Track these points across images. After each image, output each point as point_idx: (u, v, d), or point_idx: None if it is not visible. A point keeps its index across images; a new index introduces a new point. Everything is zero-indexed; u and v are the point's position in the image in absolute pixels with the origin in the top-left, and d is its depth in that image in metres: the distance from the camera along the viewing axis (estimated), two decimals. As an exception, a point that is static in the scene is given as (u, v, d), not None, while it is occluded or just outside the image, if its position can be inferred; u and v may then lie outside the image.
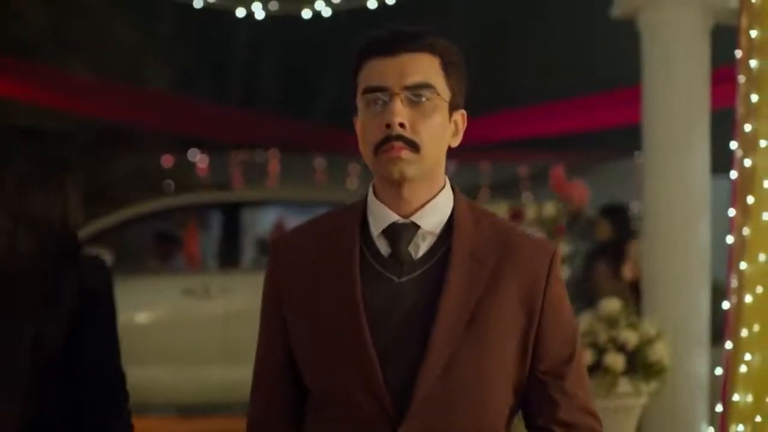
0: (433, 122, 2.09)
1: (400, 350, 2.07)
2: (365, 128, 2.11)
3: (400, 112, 2.06)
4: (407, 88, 2.08)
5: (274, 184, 14.87)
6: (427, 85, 2.09)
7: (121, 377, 2.77)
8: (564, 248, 7.94)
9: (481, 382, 2.08)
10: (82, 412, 2.70)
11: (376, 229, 2.14)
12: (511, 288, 2.11)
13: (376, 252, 2.13)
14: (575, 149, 14.14)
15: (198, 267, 13.11)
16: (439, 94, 2.10)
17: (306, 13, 7.70)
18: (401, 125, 2.06)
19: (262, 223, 15.82)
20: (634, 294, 7.53)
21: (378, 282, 2.11)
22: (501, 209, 8.19)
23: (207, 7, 7.63)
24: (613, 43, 8.23)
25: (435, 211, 2.14)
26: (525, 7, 15.66)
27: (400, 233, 2.12)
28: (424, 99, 2.08)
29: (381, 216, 2.14)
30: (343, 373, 2.08)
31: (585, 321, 6.08)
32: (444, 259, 2.11)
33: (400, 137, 2.06)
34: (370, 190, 2.18)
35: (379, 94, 2.09)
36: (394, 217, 2.12)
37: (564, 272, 7.78)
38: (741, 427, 4.24)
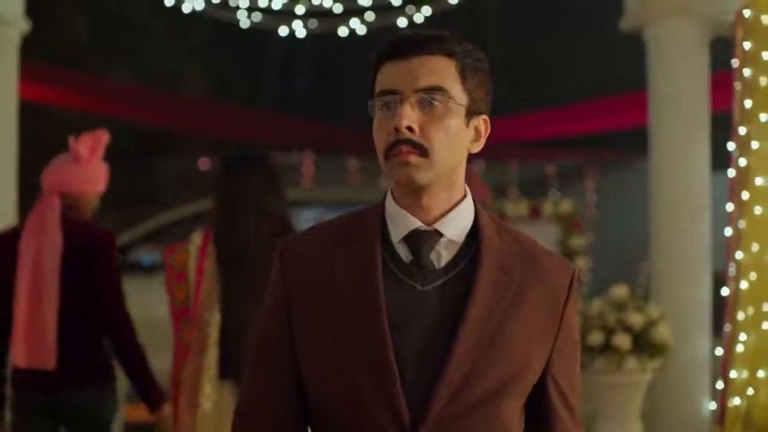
0: (445, 127, 1.90)
1: (420, 360, 1.89)
2: (377, 132, 1.94)
3: (409, 115, 1.88)
4: (418, 91, 1.89)
5: (309, 185, 14.87)
6: (439, 89, 1.90)
7: None
8: (581, 241, 8.08)
9: (498, 397, 1.91)
10: None
11: (396, 235, 1.95)
12: (534, 303, 1.95)
13: (397, 258, 1.94)
14: (604, 148, 14.08)
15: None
16: (452, 98, 1.91)
17: (342, 31, 7.89)
18: (410, 129, 1.88)
19: (300, 223, 15.81)
20: None
21: (400, 289, 1.92)
22: (521, 207, 8.28)
23: (252, 27, 7.85)
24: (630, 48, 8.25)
25: (457, 220, 1.96)
26: (552, 11, 15.65)
27: (423, 240, 1.93)
28: (436, 103, 1.89)
29: (402, 222, 1.94)
30: (360, 382, 1.88)
31: (596, 305, 6.20)
32: (469, 269, 1.93)
33: (407, 141, 1.88)
34: (389, 195, 1.99)
35: (390, 98, 1.91)
36: (417, 224, 1.93)
37: (584, 263, 7.90)
38: (738, 400, 4.35)
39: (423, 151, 1.89)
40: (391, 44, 1.95)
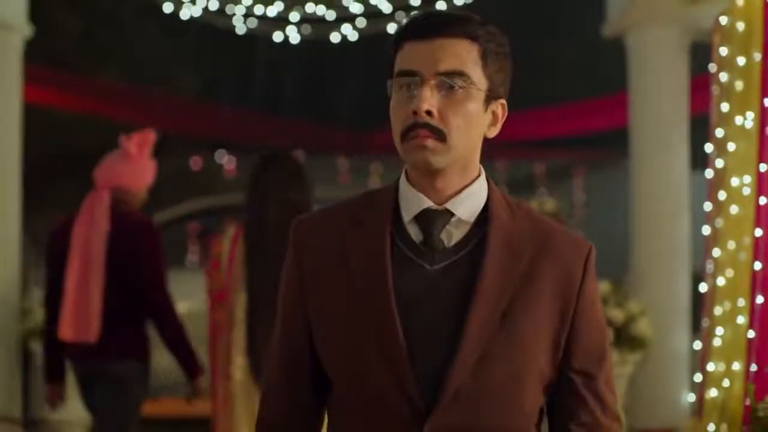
0: (464, 112, 1.84)
1: (430, 340, 1.83)
2: (395, 113, 1.87)
3: (428, 99, 1.81)
4: (439, 74, 1.82)
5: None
6: (460, 73, 1.83)
7: None
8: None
9: (514, 378, 1.84)
10: None
11: (407, 214, 1.89)
12: (547, 282, 1.87)
13: (408, 238, 1.88)
14: (592, 148, 14.12)
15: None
16: (473, 83, 1.84)
17: (335, 37, 7.97)
18: (429, 113, 1.81)
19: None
20: None
21: (409, 269, 1.86)
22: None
23: (249, 33, 7.93)
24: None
25: (469, 200, 1.89)
26: (542, 16, 15.71)
27: (434, 220, 1.87)
28: (456, 87, 1.83)
29: (414, 202, 1.89)
30: (371, 362, 1.84)
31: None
32: (478, 249, 1.87)
33: (426, 125, 1.81)
34: (403, 175, 1.93)
35: (409, 79, 1.84)
36: (428, 203, 1.88)
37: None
38: (714, 392, 4.40)
39: (441, 136, 1.83)
40: (413, 24, 1.89)
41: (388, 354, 1.82)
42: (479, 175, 1.92)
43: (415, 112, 1.82)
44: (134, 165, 4.68)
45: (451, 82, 1.83)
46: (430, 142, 1.82)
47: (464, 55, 1.84)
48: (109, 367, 4.52)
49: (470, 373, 1.81)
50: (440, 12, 1.93)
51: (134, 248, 4.55)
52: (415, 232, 1.89)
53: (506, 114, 1.93)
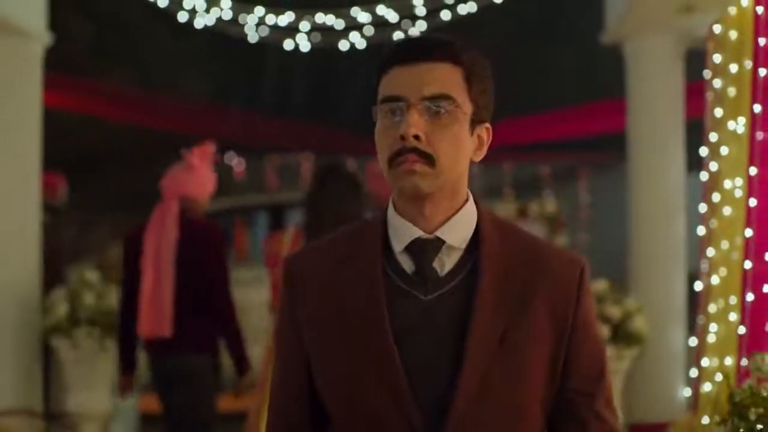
0: (451, 135, 1.79)
1: (430, 369, 1.79)
2: (381, 139, 1.82)
3: (416, 123, 1.77)
4: (425, 99, 1.78)
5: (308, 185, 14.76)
6: (446, 97, 1.79)
7: None
8: (564, 240, 8.20)
9: (515, 401, 1.81)
10: None
11: (398, 245, 1.84)
12: (542, 303, 1.83)
13: (400, 269, 1.84)
14: (596, 150, 14.14)
15: (247, 261, 13.24)
16: (458, 107, 1.80)
17: (343, 45, 8.07)
18: (416, 137, 1.77)
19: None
20: None
21: (404, 300, 1.82)
22: (509, 208, 8.40)
23: (261, 42, 8.03)
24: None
25: (460, 226, 1.85)
26: (547, 23, 15.76)
27: (425, 249, 1.83)
28: (442, 111, 1.78)
29: (404, 232, 1.84)
30: (372, 393, 1.80)
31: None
32: (472, 275, 1.82)
33: (414, 150, 1.77)
34: (390, 205, 1.88)
35: (395, 104, 1.80)
36: (418, 233, 1.83)
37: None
38: (708, 386, 4.46)
39: (430, 160, 1.79)
40: (397, 49, 1.85)
41: (387, 382, 1.79)
42: (468, 200, 1.88)
43: (402, 137, 1.78)
44: (197, 175, 4.98)
45: (436, 106, 1.79)
46: (419, 167, 1.78)
47: (449, 79, 1.81)
48: (184, 363, 4.83)
49: (472, 400, 1.78)
50: (423, 37, 1.90)
51: (201, 253, 4.84)
52: (407, 263, 1.85)
53: (491, 138, 1.89)
